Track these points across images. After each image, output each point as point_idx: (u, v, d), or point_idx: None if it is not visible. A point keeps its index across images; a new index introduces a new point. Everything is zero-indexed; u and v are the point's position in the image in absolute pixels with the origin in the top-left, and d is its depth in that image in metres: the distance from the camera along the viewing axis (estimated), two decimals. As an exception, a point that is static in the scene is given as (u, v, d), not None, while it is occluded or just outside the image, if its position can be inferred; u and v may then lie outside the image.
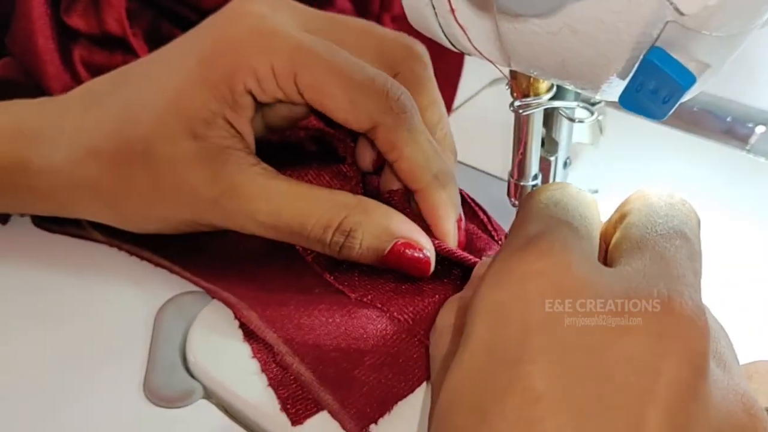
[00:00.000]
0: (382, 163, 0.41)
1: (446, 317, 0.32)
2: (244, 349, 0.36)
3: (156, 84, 0.37)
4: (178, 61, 0.37)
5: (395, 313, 0.35)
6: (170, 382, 0.36)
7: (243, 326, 0.37)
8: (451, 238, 0.38)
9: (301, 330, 0.35)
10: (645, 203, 0.29)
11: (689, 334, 0.23)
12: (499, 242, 0.40)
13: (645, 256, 0.26)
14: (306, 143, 0.44)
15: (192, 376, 0.36)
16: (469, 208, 0.42)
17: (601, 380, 0.23)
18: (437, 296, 0.36)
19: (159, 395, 0.35)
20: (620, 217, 0.30)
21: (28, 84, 0.46)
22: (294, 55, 0.35)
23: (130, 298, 0.40)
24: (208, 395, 0.36)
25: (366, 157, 0.41)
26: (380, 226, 0.35)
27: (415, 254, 0.35)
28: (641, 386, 0.23)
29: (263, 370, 0.35)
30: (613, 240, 0.29)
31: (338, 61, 0.35)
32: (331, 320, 0.36)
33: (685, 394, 0.23)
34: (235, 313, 0.37)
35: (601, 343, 0.24)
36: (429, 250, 0.36)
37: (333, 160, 0.43)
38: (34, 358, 0.37)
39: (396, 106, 0.36)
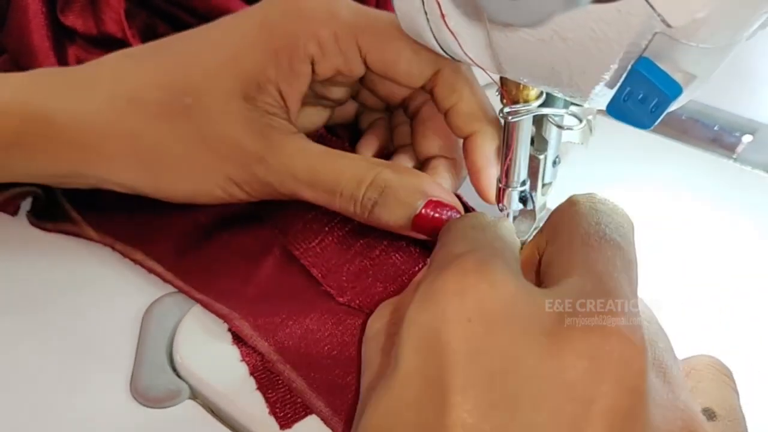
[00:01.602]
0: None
1: (377, 323, 0.32)
2: (232, 350, 0.36)
3: (215, 42, 0.37)
4: (241, 25, 0.37)
5: None
6: (157, 382, 0.36)
7: (232, 330, 0.37)
8: (491, 190, 0.38)
9: (292, 338, 0.35)
10: (574, 213, 0.29)
11: (624, 354, 0.23)
12: None
13: (576, 272, 0.26)
14: None
15: (179, 376, 0.36)
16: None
17: (533, 408, 0.22)
18: None
19: (146, 395, 0.35)
20: (551, 227, 0.29)
21: None
22: (356, 19, 0.36)
23: (117, 297, 0.40)
24: (195, 395, 0.36)
25: (366, 153, 0.42)
26: (412, 185, 0.35)
27: (447, 213, 0.35)
28: (575, 414, 0.22)
29: (252, 374, 0.35)
30: (546, 255, 0.28)
31: (395, 19, 0.35)
32: (322, 328, 0.36)
33: (621, 422, 0.22)
34: (227, 323, 0.37)
35: (533, 367, 0.23)
36: (462, 211, 0.36)
37: None
38: (20, 356, 0.37)
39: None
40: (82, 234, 0.43)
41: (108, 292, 0.40)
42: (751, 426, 0.31)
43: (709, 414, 0.26)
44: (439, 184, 0.36)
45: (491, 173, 0.37)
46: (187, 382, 0.36)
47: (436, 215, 0.35)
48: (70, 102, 0.37)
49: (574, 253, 0.26)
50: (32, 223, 0.45)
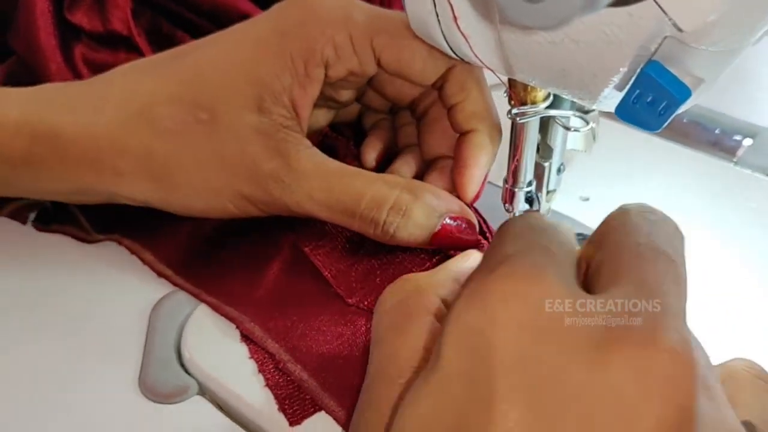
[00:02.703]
0: (383, 160, 0.42)
1: (392, 299, 0.30)
2: (241, 347, 0.36)
3: (228, 52, 0.37)
4: (255, 32, 0.37)
5: None
6: (165, 377, 0.36)
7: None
8: (474, 186, 0.38)
9: (304, 339, 0.36)
10: (626, 221, 0.28)
11: (675, 371, 0.22)
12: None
13: (627, 283, 0.25)
14: None
15: (187, 372, 0.36)
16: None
17: (581, 422, 0.22)
18: None
19: (154, 391, 0.35)
20: (600, 236, 0.29)
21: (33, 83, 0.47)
22: (371, 21, 0.36)
23: (126, 294, 0.40)
24: (203, 391, 0.36)
25: (371, 154, 0.42)
26: (430, 204, 0.36)
27: (464, 226, 0.36)
28: (623, 430, 0.22)
29: (260, 371, 0.35)
30: (594, 263, 0.27)
31: (406, 18, 0.35)
32: (332, 329, 0.36)
33: None
34: (237, 326, 0.37)
35: (581, 380, 0.22)
36: (474, 221, 0.37)
37: None
38: (29, 353, 0.38)
39: None
40: (89, 239, 0.44)
41: (116, 289, 0.41)
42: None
43: (749, 429, 0.25)
44: (453, 198, 0.37)
45: (475, 173, 0.38)
46: (195, 378, 0.36)
47: (453, 230, 0.36)
48: (79, 118, 0.37)
49: (624, 262, 0.26)
50: (38, 229, 0.45)
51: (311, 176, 0.36)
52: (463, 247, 0.37)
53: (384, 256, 0.39)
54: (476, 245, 0.37)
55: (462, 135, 0.38)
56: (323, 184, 0.35)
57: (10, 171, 0.38)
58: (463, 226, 0.36)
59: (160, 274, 0.41)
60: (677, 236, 0.28)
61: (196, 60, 0.37)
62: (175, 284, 0.41)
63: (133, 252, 0.42)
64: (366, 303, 0.37)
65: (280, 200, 0.36)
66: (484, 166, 0.38)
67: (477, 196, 0.39)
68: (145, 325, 0.38)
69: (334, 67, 0.36)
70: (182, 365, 0.37)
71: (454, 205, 0.36)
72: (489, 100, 0.38)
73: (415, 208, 0.35)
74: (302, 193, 0.36)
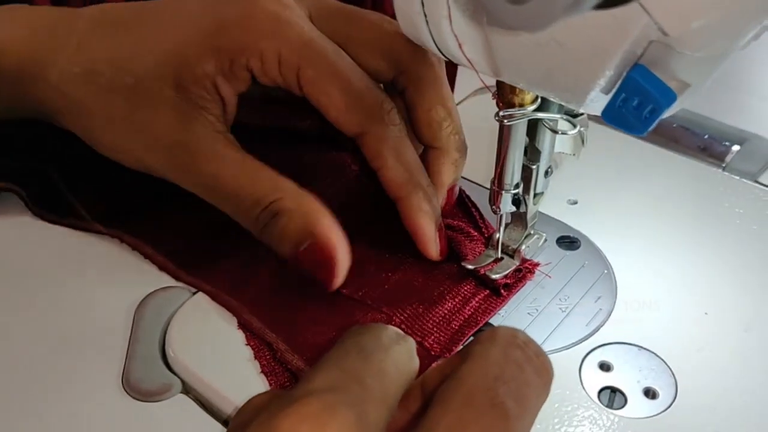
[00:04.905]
0: None
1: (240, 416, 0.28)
2: (225, 345, 0.36)
3: (168, 29, 0.38)
4: (197, 17, 0.38)
5: (384, 309, 0.37)
6: (149, 376, 0.36)
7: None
8: (432, 246, 0.39)
9: (300, 329, 0.36)
10: (481, 352, 0.26)
11: None
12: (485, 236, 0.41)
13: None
14: (308, 132, 0.47)
15: (171, 370, 0.36)
16: (464, 205, 0.44)
17: None
18: (428, 293, 0.37)
19: (138, 389, 0.35)
20: (464, 354, 0.26)
21: None
22: (303, 49, 0.36)
23: (110, 291, 0.40)
24: (187, 390, 0.36)
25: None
26: (306, 222, 0.35)
27: (324, 258, 0.35)
28: None
29: (256, 357, 0.35)
30: (438, 391, 0.25)
31: (342, 64, 0.37)
32: (329, 320, 0.37)
33: None
34: (236, 317, 0.38)
35: None
36: (342, 262, 0.36)
37: (332, 149, 0.45)
38: (12, 349, 0.37)
39: (387, 119, 0.37)
40: (90, 228, 0.44)
41: (101, 286, 0.41)
42: (748, 419, 0.32)
43: None
44: (331, 222, 0.36)
45: (427, 232, 0.38)
46: (179, 377, 0.36)
47: (315, 256, 0.35)
48: (20, 35, 0.40)
49: (449, 409, 0.24)
50: (36, 213, 0.45)
51: (203, 159, 0.37)
52: (321, 274, 0.36)
53: (377, 248, 0.39)
54: (333, 280, 0.36)
55: (396, 201, 0.39)
56: (211, 169, 0.37)
57: None
58: (324, 257, 0.35)
59: (162, 268, 0.41)
60: (536, 381, 0.26)
61: (142, 33, 0.39)
62: (175, 277, 0.41)
63: (134, 247, 0.42)
64: (360, 294, 0.38)
65: (170, 174, 0.38)
66: (428, 225, 0.39)
67: (443, 250, 0.39)
68: (130, 323, 0.38)
69: (260, 77, 0.37)
70: (166, 363, 0.37)
71: (330, 234, 0.35)
72: (410, 162, 0.38)
73: (287, 217, 0.35)
74: (189, 173, 0.37)
